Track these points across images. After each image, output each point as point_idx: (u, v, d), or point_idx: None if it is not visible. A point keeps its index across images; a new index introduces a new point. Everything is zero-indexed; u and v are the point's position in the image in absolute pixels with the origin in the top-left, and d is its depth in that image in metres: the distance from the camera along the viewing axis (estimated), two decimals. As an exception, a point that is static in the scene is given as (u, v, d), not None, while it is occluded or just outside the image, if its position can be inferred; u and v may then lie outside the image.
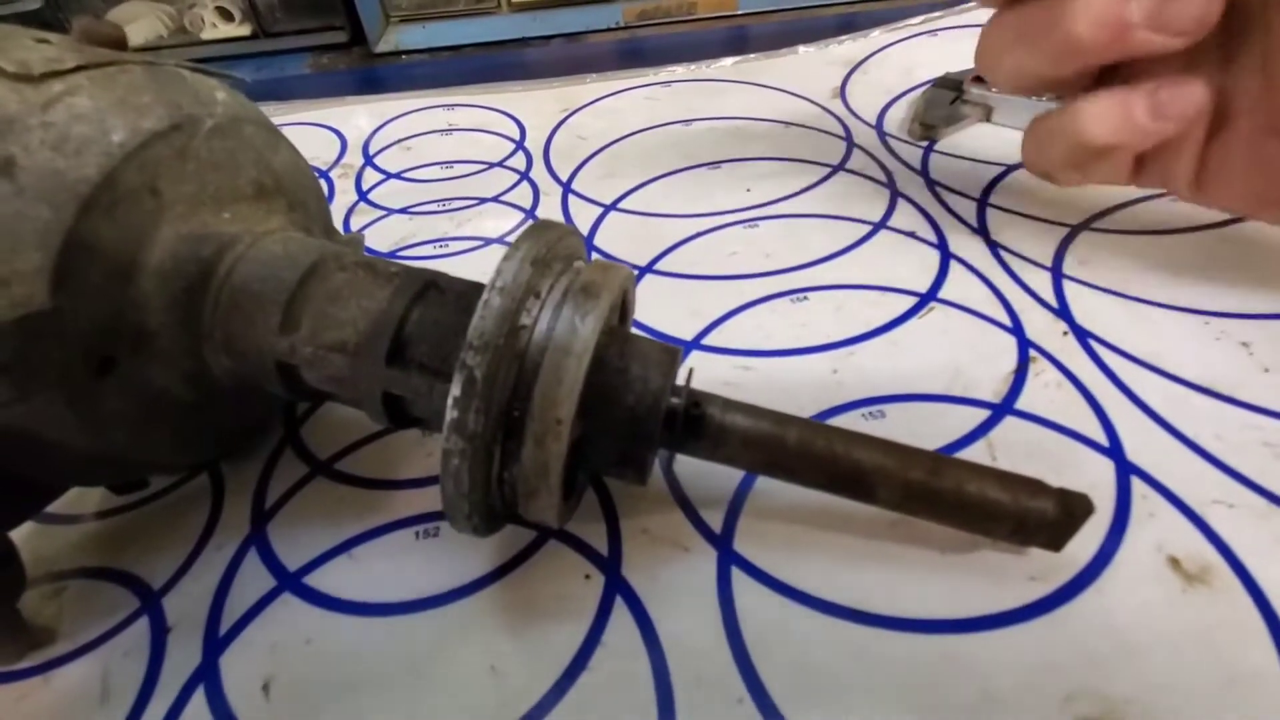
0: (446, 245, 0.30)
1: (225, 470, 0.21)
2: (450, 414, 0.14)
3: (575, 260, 0.17)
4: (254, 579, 0.19)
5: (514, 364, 0.14)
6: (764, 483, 0.19)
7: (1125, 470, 0.19)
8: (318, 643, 0.17)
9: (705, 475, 0.19)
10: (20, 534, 0.17)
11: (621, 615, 0.17)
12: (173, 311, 0.16)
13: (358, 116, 0.41)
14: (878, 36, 0.43)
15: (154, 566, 0.19)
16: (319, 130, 0.40)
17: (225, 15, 0.55)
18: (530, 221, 0.16)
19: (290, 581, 0.18)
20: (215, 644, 0.17)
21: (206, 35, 0.56)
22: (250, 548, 0.19)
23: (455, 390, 0.14)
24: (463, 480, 0.14)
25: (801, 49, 0.43)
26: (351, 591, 0.18)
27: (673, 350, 0.17)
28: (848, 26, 0.47)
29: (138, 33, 0.54)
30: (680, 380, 0.17)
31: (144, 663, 0.17)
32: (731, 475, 0.19)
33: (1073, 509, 0.15)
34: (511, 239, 0.30)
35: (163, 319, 0.16)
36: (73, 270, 0.14)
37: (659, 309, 0.25)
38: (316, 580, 0.18)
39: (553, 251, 0.15)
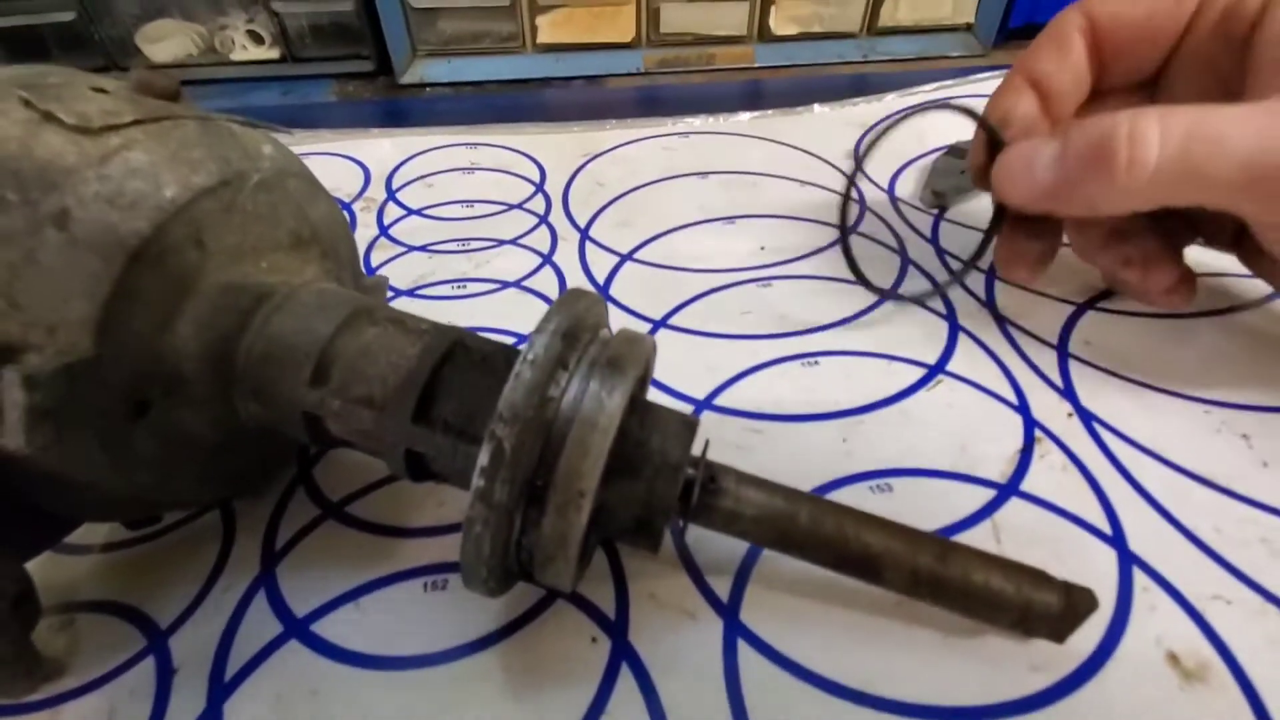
0: (465, 286, 0.31)
1: (237, 508, 0.22)
2: (477, 482, 0.14)
3: (600, 328, 0.17)
4: (261, 623, 0.19)
5: (541, 434, 0.15)
6: (772, 551, 0.19)
7: (1127, 560, 0.19)
8: (323, 695, 0.17)
9: (713, 540, 0.19)
10: (31, 562, 0.17)
11: (626, 682, 0.17)
12: (207, 359, 0.17)
13: (382, 149, 0.42)
14: (892, 100, 0.45)
15: (162, 604, 0.19)
16: (343, 161, 0.41)
17: (256, 38, 0.57)
18: (564, 291, 0.16)
19: (297, 628, 0.18)
20: (220, 690, 0.17)
21: (236, 56, 0.57)
22: (259, 590, 0.19)
23: (483, 459, 0.14)
24: (484, 547, 0.14)
25: (817, 108, 0.45)
26: (358, 642, 0.18)
27: (691, 423, 0.17)
28: (860, 86, 0.48)
29: (167, 51, 0.55)
30: (696, 449, 0.17)
31: (149, 704, 0.17)
32: (740, 542, 0.19)
33: (1077, 604, 0.16)
34: (528, 283, 0.31)
35: (197, 366, 0.16)
36: (117, 319, 0.15)
37: (673, 365, 0.26)
38: (323, 628, 0.18)
39: (581, 322, 0.16)
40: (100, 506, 0.17)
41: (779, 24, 0.54)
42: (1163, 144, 0.18)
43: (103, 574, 0.20)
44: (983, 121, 0.25)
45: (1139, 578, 0.19)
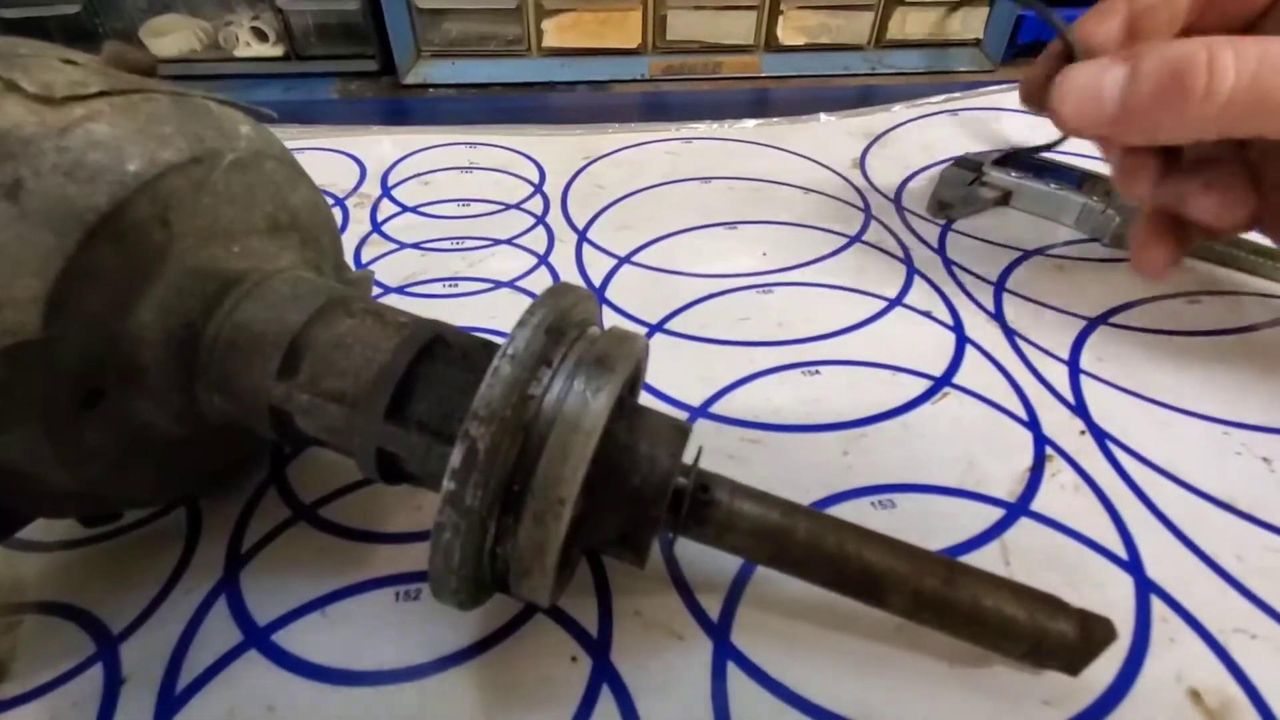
0: (457, 285, 0.30)
1: (204, 506, 0.21)
2: (447, 485, 0.13)
3: (589, 326, 0.16)
4: (219, 631, 0.17)
5: (519, 435, 0.14)
6: (767, 569, 0.18)
7: (1145, 588, 0.18)
8: (280, 711, 0.16)
9: (705, 555, 0.18)
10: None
11: (607, 706, 0.16)
12: (168, 346, 0.16)
13: (380, 146, 0.41)
14: (899, 111, 0.44)
15: (116, 607, 0.18)
16: (340, 157, 0.40)
17: (260, 35, 0.56)
18: (551, 285, 0.15)
19: (258, 638, 0.17)
20: (170, 703, 0.16)
21: (239, 53, 0.56)
22: (220, 595, 0.18)
23: (455, 461, 0.13)
24: (453, 556, 0.13)
25: (823, 117, 0.44)
26: (322, 655, 0.17)
27: (683, 428, 0.16)
28: (866, 98, 0.48)
29: (172, 45, 0.55)
30: (688, 458, 0.16)
31: (94, 715, 0.16)
32: (733, 558, 0.18)
33: (1094, 634, 0.15)
34: (522, 283, 0.30)
35: (157, 353, 0.15)
36: (70, 299, 0.14)
37: (667, 371, 0.25)
38: (286, 639, 0.17)
39: (567, 318, 0.15)
40: (48, 501, 0.16)
41: (786, 34, 0.54)
42: (1238, 72, 0.18)
43: (55, 573, 0.19)
44: (1063, 33, 0.23)
45: (1157, 607, 0.17)
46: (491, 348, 0.16)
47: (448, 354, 0.16)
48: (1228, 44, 0.18)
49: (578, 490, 0.13)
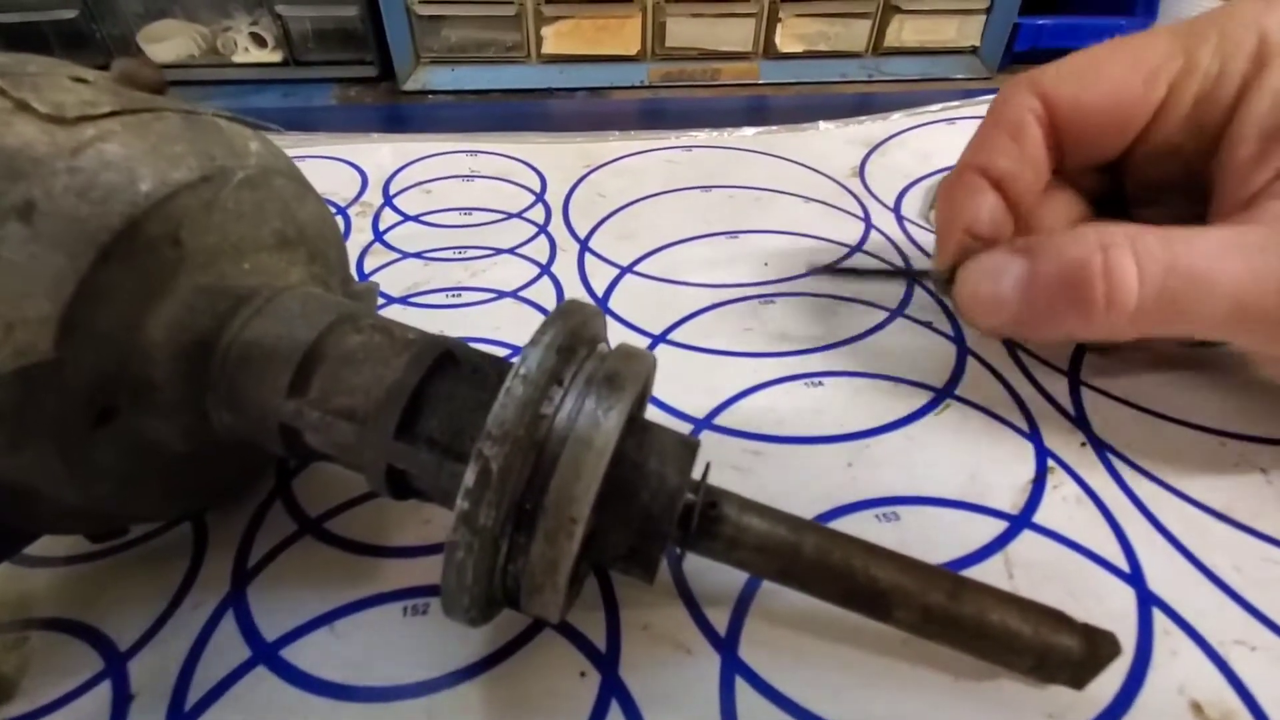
0: (459, 295, 0.30)
1: (210, 521, 0.21)
2: (461, 504, 0.13)
3: (598, 343, 0.16)
4: (228, 647, 0.17)
5: (531, 454, 0.14)
6: (773, 583, 0.18)
7: (1147, 601, 0.18)
8: (290, 727, 0.16)
9: (712, 570, 0.18)
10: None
11: (616, 720, 0.16)
12: (179, 363, 0.16)
13: (381, 154, 0.41)
14: (898, 119, 0.44)
15: (123, 623, 0.18)
16: (341, 165, 0.40)
17: (259, 41, 0.56)
18: (560, 303, 0.15)
19: (266, 653, 0.17)
20: None
21: (238, 59, 0.56)
22: (228, 610, 0.18)
23: (469, 480, 0.13)
24: (466, 574, 0.13)
25: (822, 125, 0.44)
26: (330, 670, 0.17)
27: (691, 444, 0.16)
28: (864, 106, 0.48)
29: (170, 51, 0.55)
30: (696, 472, 0.16)
31: (100, 734, 0.16)
32: (740, 573, 0.18)
33: (1098, 649, 0.15)
34: (525, 294, 0.30)
35: (168, 371, 0.16)
36: (82, 319, 0.14)
37: (672, 382, 0.25)
38: (294, 654, 0.17)
39: (577, 336, 0.15)
40: (58, 519, 0.16)
41: (785, 41, 0.54)
42: (1142, 282, 0.16)
43: (62, 589, 0.19)
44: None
45: (1159, 620, 0.18)
46: (500, 364, 0.17)
47: (457, 371, 0.16)
48: (1128, 247, 0.16)
49: (590, 508, 0.13)
